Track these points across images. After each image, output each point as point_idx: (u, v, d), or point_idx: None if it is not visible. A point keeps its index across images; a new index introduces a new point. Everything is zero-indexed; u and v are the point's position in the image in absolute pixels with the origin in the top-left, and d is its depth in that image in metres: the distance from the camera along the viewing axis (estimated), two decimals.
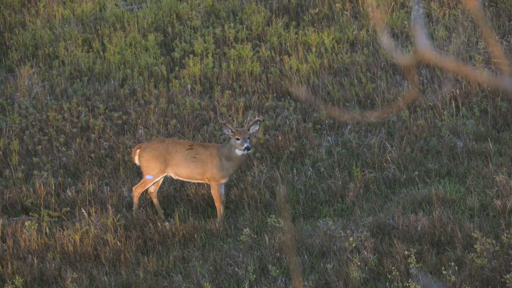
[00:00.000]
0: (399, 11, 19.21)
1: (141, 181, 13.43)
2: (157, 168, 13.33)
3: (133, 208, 13.37)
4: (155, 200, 13.43)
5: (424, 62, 16.63)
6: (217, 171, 13.22)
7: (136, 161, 13.49)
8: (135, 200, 13.40)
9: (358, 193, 13.49)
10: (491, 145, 14.42)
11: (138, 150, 13.43)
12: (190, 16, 19.51)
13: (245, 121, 13.29)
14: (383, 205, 13.24)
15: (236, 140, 13.08)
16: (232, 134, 13.11)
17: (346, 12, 19.27)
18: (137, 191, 13.38)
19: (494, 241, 11.63)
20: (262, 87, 16.97)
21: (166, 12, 19.68)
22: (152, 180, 13.40)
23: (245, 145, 13.04)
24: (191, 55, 17.85)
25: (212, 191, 13.30)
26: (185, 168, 13.31)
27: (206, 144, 13.58)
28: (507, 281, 11.09)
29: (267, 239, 12.36)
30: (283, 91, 16.86)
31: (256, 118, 13.22)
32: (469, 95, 15.96)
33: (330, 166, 14.33)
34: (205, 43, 18.43)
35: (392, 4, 19.43)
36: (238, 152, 13.13)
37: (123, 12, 19.68)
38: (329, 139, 15.08)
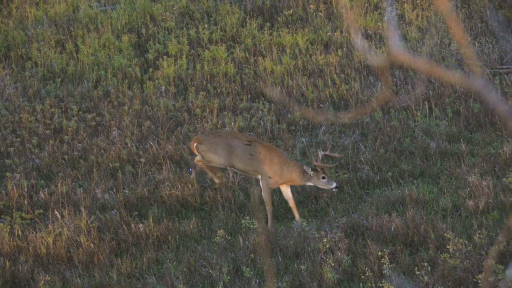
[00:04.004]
0: (373, 13, 19.28)
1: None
2: (222, 158, 13.22)
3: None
4: (204, 166, 13.39)
5: (397, 64, 16.70)
6: (274, 176, 13.04)
7: (196, 151, 13.40)
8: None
9: (332, 194, 13.52)
10: (463, 146, 14.50)
11: (195, 144, 13.34)
12: (164, 17, 19.45)
13: (315, 158, 12.99)
14: (357, 206, 13.28)
15: (322, 179, 12.89)
16: (313, 172, 12.86)
17: (320, 14, 19.31)
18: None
19: (466, 242, 11.70)
20: (236, 88, 16.96)
21: (140, 13, 19.61)
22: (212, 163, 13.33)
23: (334, 184, 12.88)
24: (165, 56, 17.81)
25: (263, 194, 13.14)
26: (240, 163, 13.19)
27: (268, 145, 13.33)
28: (479, 281, 11.15)
29: (241, 240, 12.35)
30: (258, 92, 16.86)
31: (326, 153, 12.99)
32: (442, 96, 16.05)
33: None
34: (179, 44, 18.40)
35: (366, 6, 19.50)
36: (323, 188, 12.99)
37: (97, 13, 19.59)
38: (303, 140, 15.10)
